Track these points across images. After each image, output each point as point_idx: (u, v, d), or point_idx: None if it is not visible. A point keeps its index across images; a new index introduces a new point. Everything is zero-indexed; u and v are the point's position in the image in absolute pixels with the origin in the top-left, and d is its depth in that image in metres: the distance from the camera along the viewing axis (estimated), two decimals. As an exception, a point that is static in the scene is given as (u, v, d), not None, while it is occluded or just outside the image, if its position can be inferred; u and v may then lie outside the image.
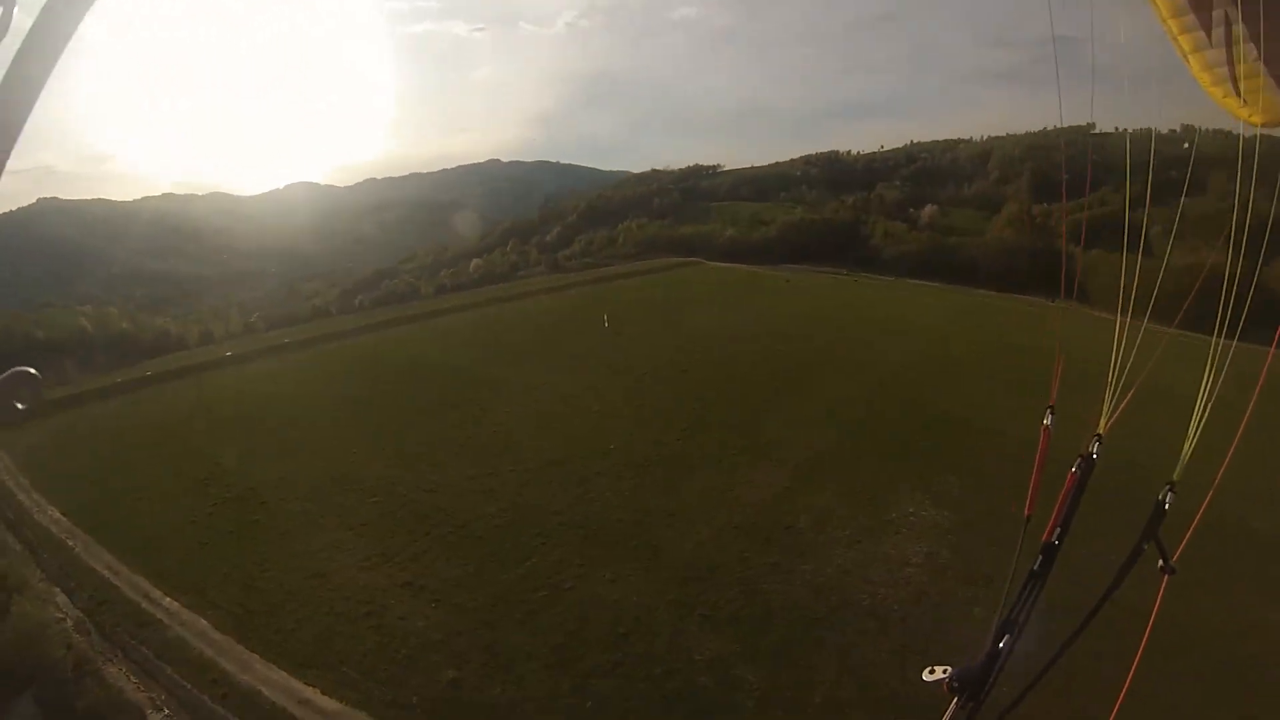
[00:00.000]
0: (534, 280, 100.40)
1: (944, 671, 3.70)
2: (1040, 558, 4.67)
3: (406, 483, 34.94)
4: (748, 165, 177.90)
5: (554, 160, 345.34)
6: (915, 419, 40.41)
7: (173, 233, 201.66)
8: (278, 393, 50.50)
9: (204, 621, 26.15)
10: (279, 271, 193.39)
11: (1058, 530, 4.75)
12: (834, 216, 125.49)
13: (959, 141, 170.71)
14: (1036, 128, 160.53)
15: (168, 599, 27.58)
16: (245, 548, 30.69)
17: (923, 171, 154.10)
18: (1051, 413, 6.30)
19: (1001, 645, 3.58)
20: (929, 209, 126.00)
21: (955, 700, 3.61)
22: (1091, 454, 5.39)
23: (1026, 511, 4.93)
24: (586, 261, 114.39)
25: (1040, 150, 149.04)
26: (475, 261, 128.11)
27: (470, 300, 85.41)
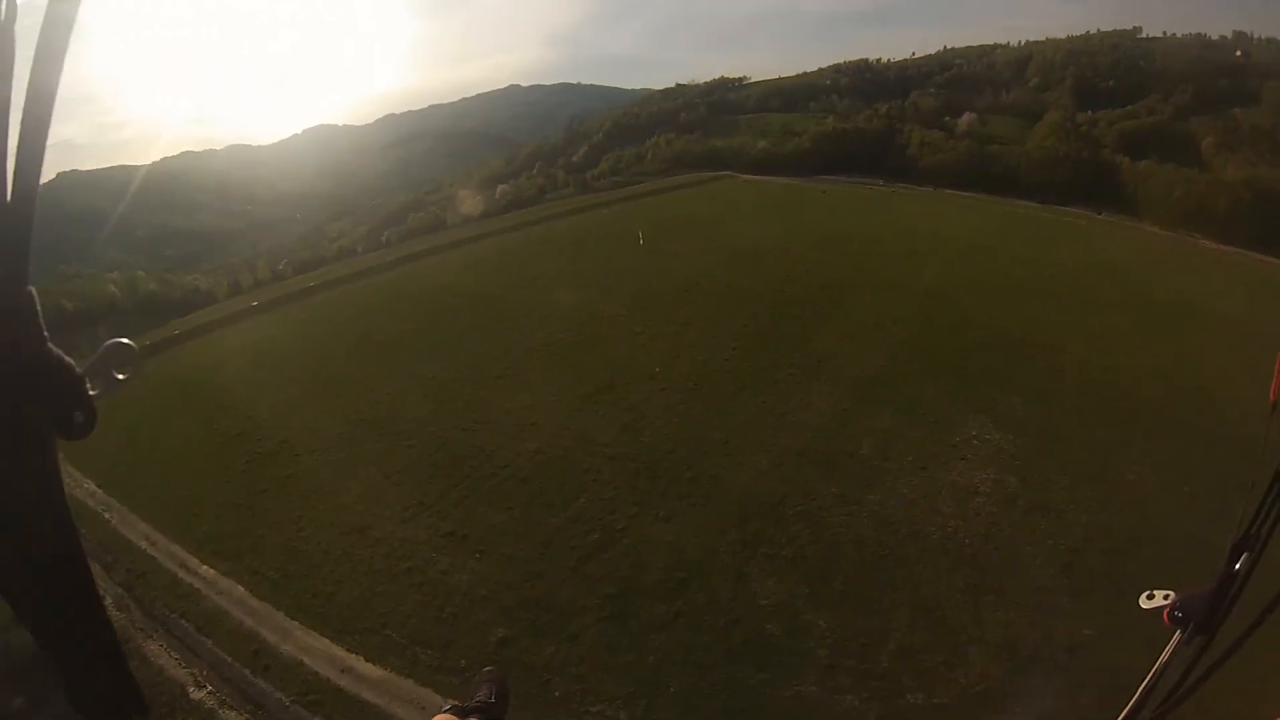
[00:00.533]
0: (563, 202, 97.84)
1: (1165, 597, 2.56)
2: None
3: (442, 422, 33.10)
4: (775, 76, 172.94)
5: (575, 81, 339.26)
6: (968, 336, 38.31)
7: (195, 189, 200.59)
8: (306, 336, 48.52)
9: (241, 589, 24.79)
10: (305, 216, 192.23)
11: None
12: (867, 126, 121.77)
13: (995, 47, 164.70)
14: (1074, 32, 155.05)
15: (204, 566, 26.12)
16: (280, 506, 29.04)
17: (958, 78, 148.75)
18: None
19: (1239, 566, 2.38)
20: (967, 117, 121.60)
21: (1179, 633, 2.48)
22: None
23: (1272, 398, 3.02)
24: (615, 180, 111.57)
25: (1082, 55, 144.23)
26: (502, 188, 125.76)
27: (500, 226, 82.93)
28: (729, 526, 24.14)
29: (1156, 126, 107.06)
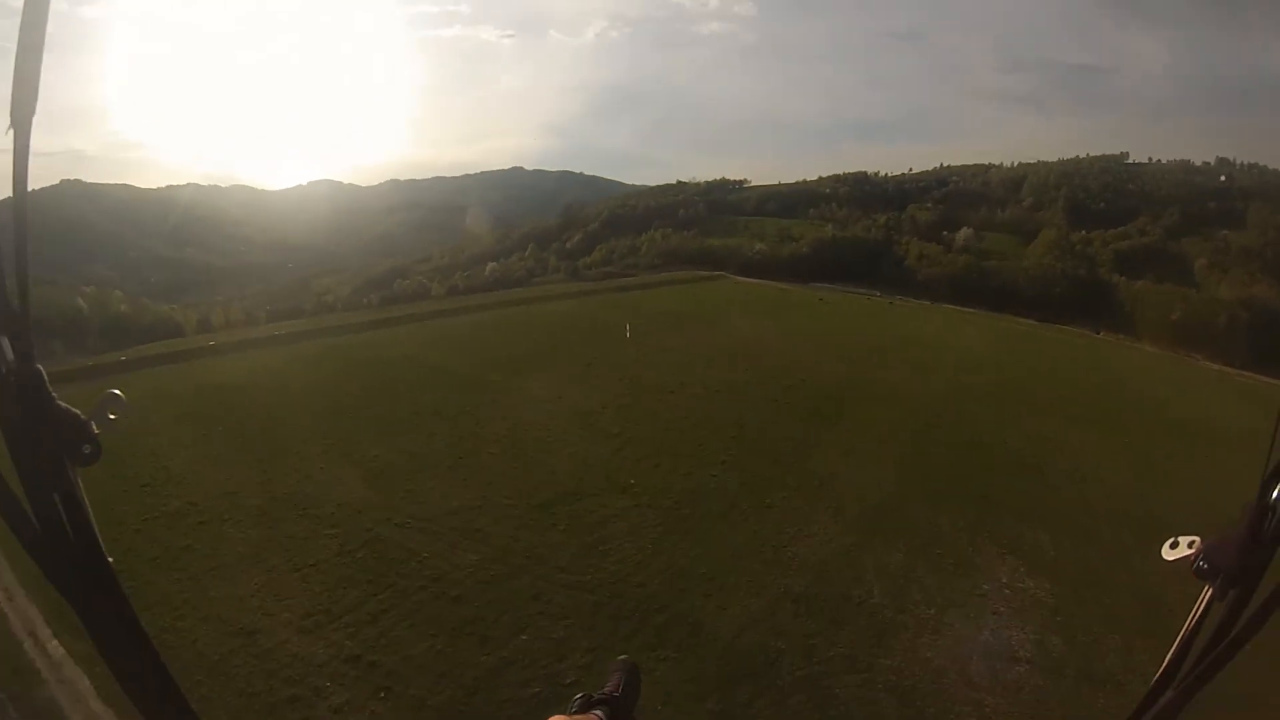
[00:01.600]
0: (551, 286, 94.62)
1: (1189, 545, 2.03)
2: None
3: (375, 511, 27.27)
4: (775, 182, 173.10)
5: (577, 171, 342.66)
6: (983, 457, 33.78)
7: (193, 222, 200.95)
8: (253, 386, 42.87)
9: (86, 682, 18.54)
10: (296, 266, 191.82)
11: None
12: (865, 235, 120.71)
13: (989, 166, 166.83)
14: (1064, 155, 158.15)
15: (54, 641, 19.91)
16: (166, 581, 22.73)
17: (954, 194, 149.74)
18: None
19: (1275, 498, 1.80)
20: (964, 231, 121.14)
21: (1208, 587, 1.96)
22: None
23: None
24: (607, 270, 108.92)
25: (1074, 177, 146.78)
26: (491, 265, 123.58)
27: (481, 302, 78.29)
28: (709, 692, 18.29)
29: (1149, 247, 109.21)
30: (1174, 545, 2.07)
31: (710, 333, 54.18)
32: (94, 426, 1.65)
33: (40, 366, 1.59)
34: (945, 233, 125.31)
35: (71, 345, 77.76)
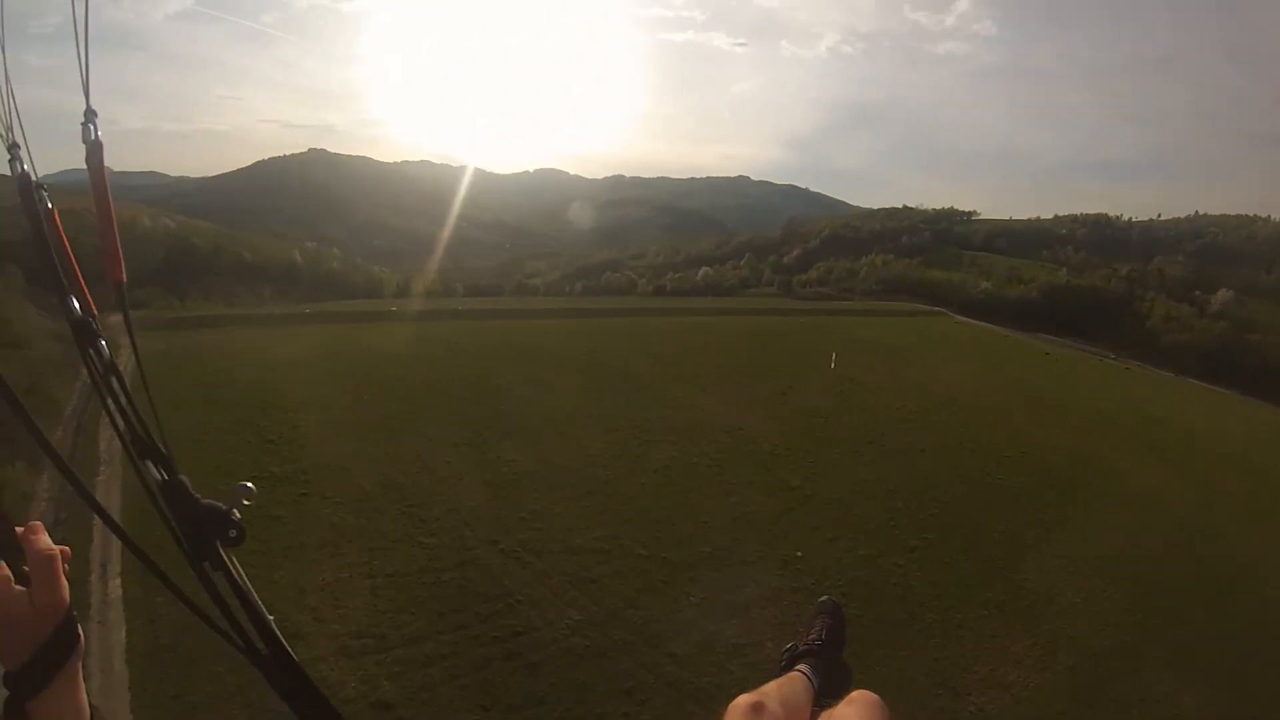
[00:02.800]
0: (762, 299, 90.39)
1: None
2: None
3: (483, 528, 23.19)
4: (1006, 217, 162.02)
5: (803, 186, 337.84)
6: (1244, 606, 24.26)
7: (422, 196, 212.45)
8: (413, 358, 40.82)
9: (123, 634, 16.57)
10: (513, 247, 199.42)
11: None
12: (1104, 285, 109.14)
13: (1255, 219, 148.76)
14: None
15: (117, 580, 18.06)
16: (238, 550, 19.32)
17: (1210, 248, 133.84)
18: None
19: None
20: (1223, 294, 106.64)
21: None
22: None
23: None
24: (822, 291, 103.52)
25: None
26: (704, 269, 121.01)
27: (686, 306, 74.92)
28: None
29: None
30: None
31: (924, 376, 47.47)
32: (235, 514, 1.76)
33: (183, 476, 1.72)
34: (1198, 293, 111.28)
35: (279, 291, 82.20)
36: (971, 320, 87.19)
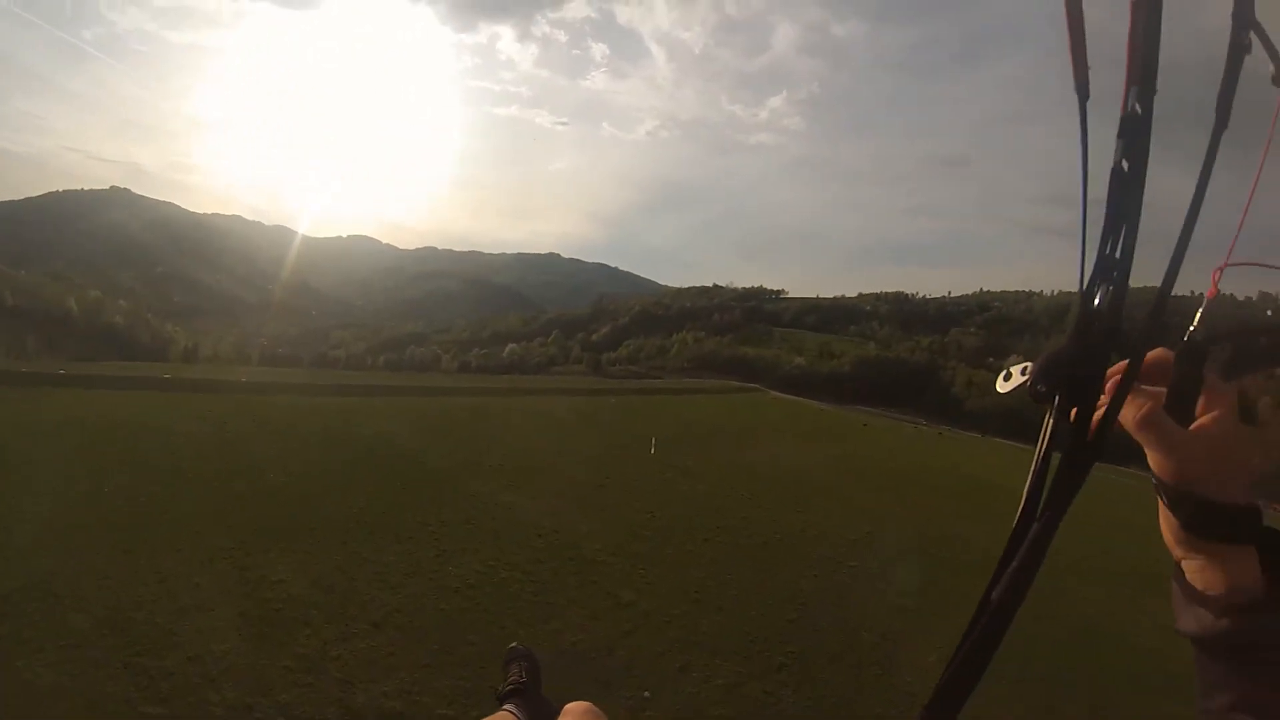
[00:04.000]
0: (570, 379, 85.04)
1: (1022, 372, 1.31)
2: (1120, 146, 1.24)
3: (231, 681, 15.82)
4: (812, 295, 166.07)
5: (613, 265, 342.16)
6: (1096, 656, 21.21)
7: (231, 253, 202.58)
8: (149, 430, 31.73)
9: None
10: (320, 314, 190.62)
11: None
12: (909, 356, 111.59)
13: (1031, 294, 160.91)
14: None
15: None
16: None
17: (997, 320, 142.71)
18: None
19: (1097, 303, 1.19)
20: (1013, 359, 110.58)
21: (1049, 412, 1.29)
22: None
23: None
24: (632, 369, 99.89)
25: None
26: (511, 346, 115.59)
27: (489, 386, 67.65)
28: None
29: None
30: (1007, 377, 1.51)
31: (749, 458, 42.93)
32: None
33: None
34: (991, 359, 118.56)
35: (46, 343, 71.33)
36: (787, 395, 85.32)
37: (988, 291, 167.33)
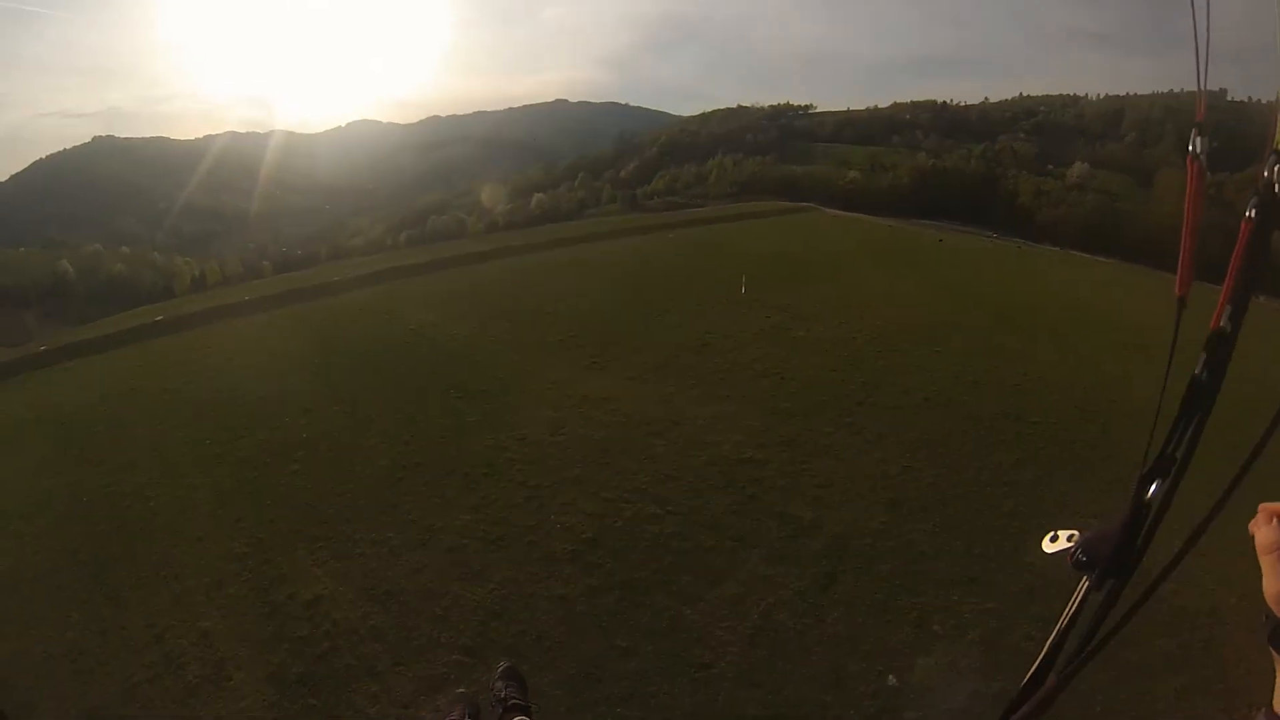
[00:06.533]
0: (607, 220, 76.85)
1: (1069, 539, 2.00)
2: (1203, 360, 1.75)
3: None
4: (843, 109, 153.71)
5: (624, 102, 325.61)
6: None
7: (230, 170, 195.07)
8: (106, 403, 24.07)
9: None
10: (334, 209, 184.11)
11: (1228, 313, 1.72)
12: (965, 166, 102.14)
13: (1078, 98, 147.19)
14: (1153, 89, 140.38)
15: None
16: None
17: (1046, 126, 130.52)
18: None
19: (1151, 494, 1.79)
20: (1078, 167, 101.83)
21: (1085, 580, 1.93)
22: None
23: (1178, 291, 1.88)
24: (671, 200, 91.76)
25: (1179, 113, 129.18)
26: (538, 196, 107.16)
27: (524, 241, 59.12)
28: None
29: None
30: (1054, 539, 2.02)
31: (849, 295, 34.79)
32: None
33: None
34: (1050, 167, 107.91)
35: (52, 316, 66.37)
36: (844, 213, 77.19)
37: (1029, 96, 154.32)
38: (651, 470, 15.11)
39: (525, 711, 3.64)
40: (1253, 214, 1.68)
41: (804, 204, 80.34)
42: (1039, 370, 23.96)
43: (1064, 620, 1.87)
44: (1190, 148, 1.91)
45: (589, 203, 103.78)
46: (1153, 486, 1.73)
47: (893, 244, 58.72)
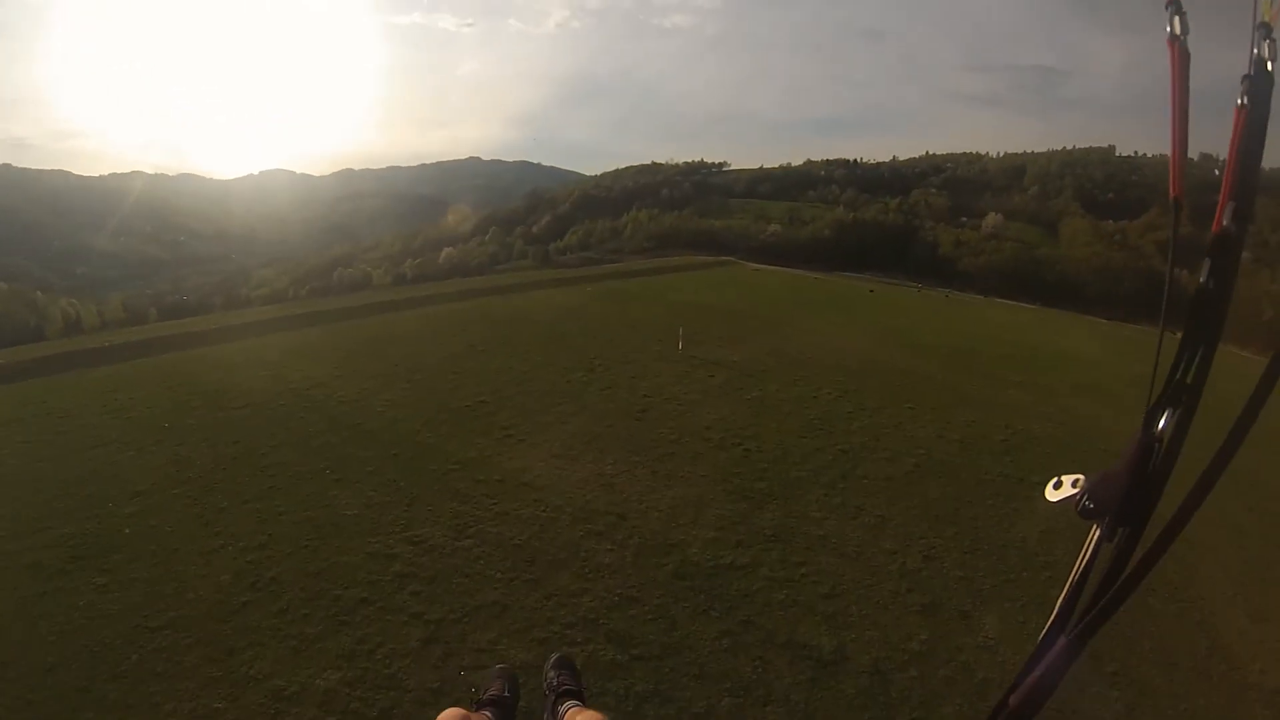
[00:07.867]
0: (521, 274, 72.77)
1: (1074, 484, 1.72)
2: (1208, 265, 1.52)
3: None
4: (756, 166, 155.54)
5: (536, 161, 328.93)
6: None
7: (134, 212, 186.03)
8: None
9: None
10: (239, 257, 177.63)
11: (1230, 210, 1.49)
12: (883, 219, 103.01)
13: (981, 155, 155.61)
14: (1036, 148, 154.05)
15: None
16: None
17: (954, 181, 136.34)
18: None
19: (1160, 426, 1.52)
20: (992, 217, 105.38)
21: (1095, 528, 1.67)
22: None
23: (1172, 193, 1.77)
24: (586, 256, 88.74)
25: (1076, 167, 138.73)
26: (447, 250, 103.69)
27: (432, 292, 54.39)
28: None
29: (1187, 239, 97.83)
30: (1057, 485, 1.77)
31: (792, 341, 32.10)
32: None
33: None
34: (964, 219, 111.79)
35: None
36: (768, 266, 75.51)
37: (935, 155, 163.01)
38: (601, 590, 10.76)
39: (578, 696, 3.57)
40: (1244, 100, 1.49)
41: (725, 257, 78.53)
42: (1021, 422, 20.88)
43: (1074, 574, 1.65)
44: (1168, 28, 1.64)
45: (500, 257, 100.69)
46: (1163, 418, 1.49)
47: (824, 294, 56.68)
